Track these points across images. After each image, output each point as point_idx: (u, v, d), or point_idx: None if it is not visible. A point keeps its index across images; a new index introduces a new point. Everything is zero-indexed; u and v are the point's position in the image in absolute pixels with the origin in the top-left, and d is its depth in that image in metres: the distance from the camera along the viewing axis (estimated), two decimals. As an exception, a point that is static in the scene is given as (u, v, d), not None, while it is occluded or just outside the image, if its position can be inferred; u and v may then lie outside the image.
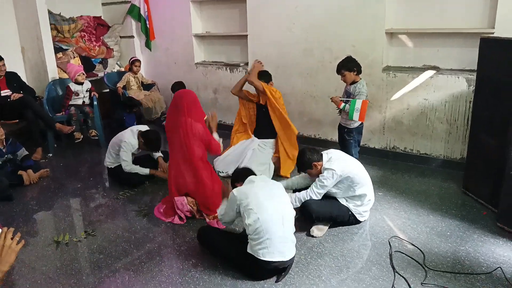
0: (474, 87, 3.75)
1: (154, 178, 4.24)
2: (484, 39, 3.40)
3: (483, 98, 3.47)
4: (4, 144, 4.26)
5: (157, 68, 6.62)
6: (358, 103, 3.63)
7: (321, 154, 3.22)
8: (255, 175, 2.95)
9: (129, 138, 4.09)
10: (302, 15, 4.84)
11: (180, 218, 3.43)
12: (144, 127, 4.27)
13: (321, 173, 3.16)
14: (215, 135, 3.62)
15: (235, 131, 4.62)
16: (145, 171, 4.14)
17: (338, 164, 3.12)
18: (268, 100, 4.23)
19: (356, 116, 3.66)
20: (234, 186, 2.92)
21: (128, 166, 4.08)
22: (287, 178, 4.06)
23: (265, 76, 4.39)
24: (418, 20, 4.33)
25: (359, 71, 3.77)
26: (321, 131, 5.11)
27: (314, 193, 3.16)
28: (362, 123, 3.91)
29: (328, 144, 4.90)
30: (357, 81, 3.78)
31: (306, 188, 3.28)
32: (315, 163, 3.17)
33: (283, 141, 4.31)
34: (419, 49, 4.45)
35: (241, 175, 2.92)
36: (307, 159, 3.17)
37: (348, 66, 3.75)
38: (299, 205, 3.18)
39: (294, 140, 4.35)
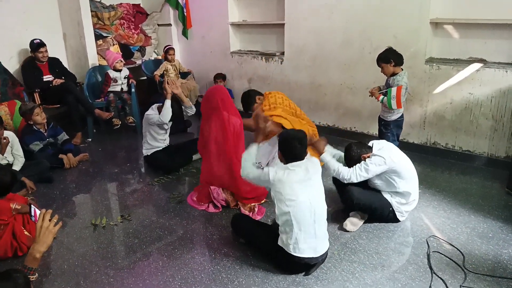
0: (524, 82, 3.54)
1: (191, 162, 4.36)
2: (539, 30, 3.18)
3: (535, 94, 3.27)
4: (46, 128, 4.40)
5: (193, 57, 6.65)
6: (393, 91, 3.57)
7: (370, 146, 3.11)
8: (305, 143, 2.63)
9: (150, 112, 4.26)
10: (342, 3, 4.70)
11: (215, 206, 3.45)
12: None
13: (369, 158, 3.04)
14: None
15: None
16: (167, 103, 4.16)
17: (389, 154, 3.00)
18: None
19: (394, 104, 3.59)
20: (280, 150, 2.67)
21: (162, 116, 4.11)
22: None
23: (248, 102, 4.14)
24: (465, 10, 4.11)
25: (398, 63, 3.64)
26: (357, 124, 4.99)
27: (356, 174, 3.00)
28: (401, 117, 3.79)
29: (365, 138, 4.76)
30: (397, 73, 3.65)
31: None
32: (364, 155, 3.05)
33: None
34: (465, 41, 4.23)
35: (291, 145, 2.57)
36: (354, 154, 3.06)
37: (385, 57, 3.64)
38: (334, 174, 3.06)
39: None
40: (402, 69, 3.69)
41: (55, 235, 2.07)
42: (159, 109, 4.25)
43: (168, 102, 4.17)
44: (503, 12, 3.89)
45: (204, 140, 3.51)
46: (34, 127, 4.31)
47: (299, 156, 2.60)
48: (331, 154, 3.18)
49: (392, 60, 3.62)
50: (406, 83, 3.63)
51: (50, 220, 2.03)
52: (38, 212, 2.07)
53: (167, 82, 4.34)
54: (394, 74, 3.67)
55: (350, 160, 3.11)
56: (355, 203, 3.04)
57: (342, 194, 3.08)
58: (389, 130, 3.81)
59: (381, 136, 3.90)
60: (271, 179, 2.56)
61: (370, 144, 3.16)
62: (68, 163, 4.40)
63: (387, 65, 3.65)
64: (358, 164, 3.03)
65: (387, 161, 2.96)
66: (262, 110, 3.98)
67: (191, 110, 4.46)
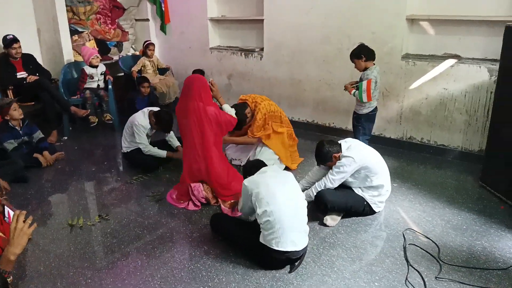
0: (496, 78, 3.64)
1: (171, 160, 4.27)
2: (510, 27, 3.26)
3: (506, 89, 3.36)
4: (21, 125, 4.30)
5: (171, 52, 6.58)
6: (364, 85, 3.68)
7: (340, 145, 3.16)
8: (266, 165, 2.94)
9: (140, 119, 4.10)
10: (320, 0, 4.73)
11: (195, 204, 3.43)
12: (155, 108, 4.28)
13: (339, 160, 3.10)
14: (226, 106, 3.63)
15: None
16: (163, 153, 4.16)
17: (357, 152, 3.07)
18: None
19: (364, 97, 3.71)
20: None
21: (146, 148, 4.12)
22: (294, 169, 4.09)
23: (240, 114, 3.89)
24: (440, 7, 4.19)
25: (369, 58, 3.73)
26: (336, 120, 5.04)
27: (330, 180, 3.11)
28: (373, 111, 3.86)
29: (343, 133, 4.84)
30: (368, 67, 3.74)
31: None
32: (335, 154, 3.11)
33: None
34: (441, 37, 4.31)
35: (254, 168, 2.88)
36: (327, 152, 3.11)
37: (357, 53, 3.74)
38: (313, 198, 3.15)
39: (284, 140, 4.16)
40: (374, 64, 3.77)
41: (30, 237, 2.03)
42: (151, 119, 4.12)
43: (162, 154, 4.17)
44: (477, 9, 3.98)
45: (182, 129, 3.51)
46: (10, 123, 4.21)
47: (264, 166, 2.91)
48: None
49: (363, 56, 3.72)
50: (376, 77, 3.71)
51: (24, 221, 1.99)
52: (12, 213, 2.01)
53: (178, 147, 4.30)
54: (366, 68, 3.75)
55: (323, 159, 3.16)
56: (330, 206, 3.09)
57: (315, 199, 3.13)
58: (360, 123, 3.90)
59: (354, 129, 4.00)
60: (247, 185, 2.66)
61: (340, 142, 3.21)
62: (45, 161, 4.30)
63: (359, 61, 3.75)
64: (330, 171, 3.13)
65: (356, 159, 3.03)
66: (254, 129, 4.02)
67: (175, 142, 4.41)
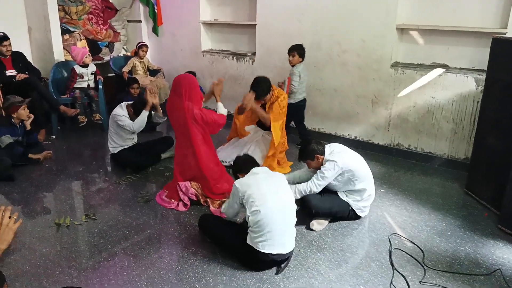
0: (482, 88, 3.72)
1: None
2: (496, 39, 3.35)
3: (492, 99, 3.44)
4: (20, 124, 4.30)
5: (163, 54, 6.58)
6: (287, 80, 4.55)
7: (324, 148, 3.20)
8: (257, 163, 2.95)
9: (118, 111, 4.15)
10: (312, 6, 4.78)
11: (185, 204, 3.44)
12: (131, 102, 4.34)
13: (322, 165, 3.15)
14: (220, 105, 3.66)
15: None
16: (145, 113, 4.12)
17: (340, 157, 3.12)
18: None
19: (285, 89, 4.52)
20: (236, 177, 2.92)
21: (134, 125, 4.10)
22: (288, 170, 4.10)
23: (261, 91, 4.07)
24: (430, 17, 4.28)
25: (299, 55, 4.48)
26: (325, 125, 5.09)
27: (315, 184, 3.16)
28: (300, 102, 4.58)
29: (332, 139, 4.89)
30: (296, 64, 4.50)
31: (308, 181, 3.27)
32: (318, 155, 3.16)
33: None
34: (430, 47, 4.40)
35: (245, 164, 2.90)
36: (312, 150, 3.16)
37: (291, 49, 4.49)
38: (299, 197, 3.17)
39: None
40: (302, 61, 4.49)
41: (15, 233, 2.01)
42: (129, 109, 4.17)
43: (145, 114, 4.12)
44: (466, 20, 4.08)
45: (172, 124, 3.54)
46: (12, 120, 4.20)
47: (255, 164, 2.90)
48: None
49: (298, 54, 4.46)
50: (299, 72, 4.47)
51: (10, 218, 1.97)
52: (-4, 210, 2.00)
53: (149, 91, 4.21)
54: (294, 66, 4.50)
55: (305, 155, 3.21)
56: (315, 212, 3.13)
57: (301, 204, 3.16)
58: (291, 112, 4.38)
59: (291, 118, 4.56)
60: (238, 186, 2.66)
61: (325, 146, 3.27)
62: (42, 155, 4.36)
63: (293, 58, 4.50)
64: (314, 175, 3.19)
65: (338, 163, 3.08)
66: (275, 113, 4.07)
67: (161, 119, 4.42)
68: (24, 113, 4.22)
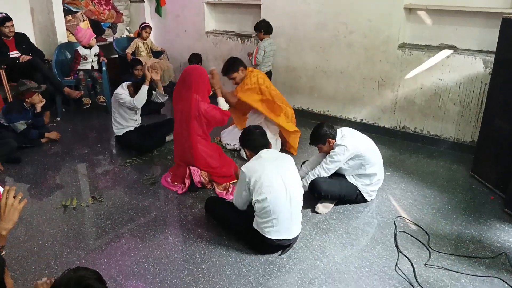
0: (491, 69, 3.66)
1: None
2: (507, 19, 3.28)
3: (500, 81, 3.39)
4: (30, 108, 4.32)
5: (166, 36, 6.51)
6: (254, 51, 4.92)
7: (336, 132, 3.18)
8: (268, 140, 2.81)
9: (120, 91, 4.14)
10: (318, -14, 4.69)
11: (190, 188, 3.44)
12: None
13: (332, 149, 3.14)
14: (221, 101, 3.63)
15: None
16: (145, 88, 4.08)
17: (351, 141, 3.09)
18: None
19: (252, 60, 4.92)
20: (244, 147, 2.88)
21: (135, 101, 4.07)
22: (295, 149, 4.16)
23: (231, 68, 4.11)
24: (438, -4, 4.19)
25: (266, 32, 4.85)
26: (331, 108, 5.05)
27: (324, 169, 3.15)
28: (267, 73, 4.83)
29: (337, 122, 4.86)
30: (263, 39, 4.86)
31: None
32: (330, 139, 3.14)
33: (277, 121, 4.12)
34: (437, 27, 4.32)
35: (255, 141, 2.77)
36: (324, 133, 3.13)
37: (256, 26, 4.89)
38: (307, 186, 3.16)
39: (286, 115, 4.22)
40: (269, 37, 4.89)
41: (20, 212, 2.03)
42: (130, 88, 4.16)
43: (145, 88, 4.07)
44: (475, 0, 3.98)
45: (174, 113, 3.53)
46: (24, 105, 4.23)
47: (264, 144, 2.75)
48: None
49: (261, 29, 4.82)
50: (265, 46, 4.83)
51: (14, 197, 1.98)
52: (1, 189, 2.01)
53: (150, 67, 4.21)
54: (262, 39, 4.86)
55: (318, 139, 3.18)
56: (324, 195, 3.13)
57: (310, 187, 3.15)
58: None
59: None
60: (245, 171, 2.61)
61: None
62: (55, 135, 4.48)
63: (259, 33, 4.85)
64: (324, 160, 3.16)
65: (349, 147, 3.06)
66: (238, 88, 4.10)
67: (163, 98, 4.39)
68: (37, 98, 4.29)
